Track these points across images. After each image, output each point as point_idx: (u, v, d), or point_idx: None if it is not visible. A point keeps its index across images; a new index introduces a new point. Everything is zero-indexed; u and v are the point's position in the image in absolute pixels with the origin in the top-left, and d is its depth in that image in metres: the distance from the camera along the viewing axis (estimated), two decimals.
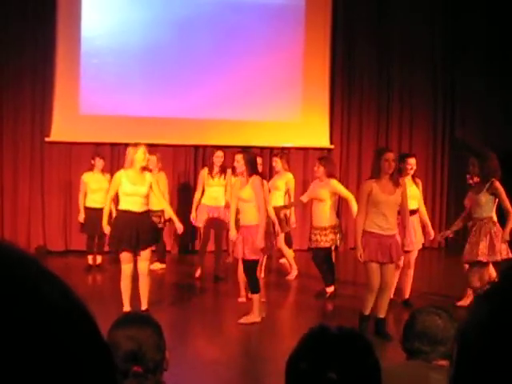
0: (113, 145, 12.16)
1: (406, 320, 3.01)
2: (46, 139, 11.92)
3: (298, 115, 12.86)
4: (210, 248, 10.24)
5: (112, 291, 8.31)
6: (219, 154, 10.05)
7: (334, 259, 9.04)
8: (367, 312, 7.12)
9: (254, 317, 7.63)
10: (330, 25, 12.95)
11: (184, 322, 7.73)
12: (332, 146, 13.01)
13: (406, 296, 8.45)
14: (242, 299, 8.48)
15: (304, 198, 9.06)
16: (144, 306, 7.60)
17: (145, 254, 7.57)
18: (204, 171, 10.20)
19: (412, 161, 8.42)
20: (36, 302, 0.56)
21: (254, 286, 7.64)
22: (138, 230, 7.42)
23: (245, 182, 7.59)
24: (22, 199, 11.90)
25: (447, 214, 13.17)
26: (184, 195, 12.55)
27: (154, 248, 7.96)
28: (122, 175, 7.58)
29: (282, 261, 10.63)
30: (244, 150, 7.76)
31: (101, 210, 10.34)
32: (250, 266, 7.61)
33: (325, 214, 8.71)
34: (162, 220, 10.06)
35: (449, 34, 13.38)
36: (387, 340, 6.73)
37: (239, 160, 7.61)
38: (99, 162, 10.45)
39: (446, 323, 2.91)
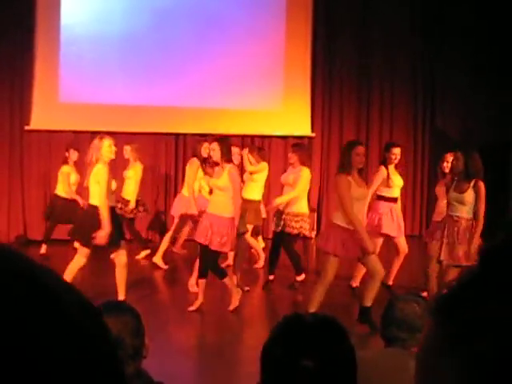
0: (93, 133, 12.08)
1: (385, 307, 3.02)
2: (26, 127, 11.85)
3: (279, 104, 12.85)
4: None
5: (94, 282, 8.28)
6: (206, 145, 9.91)
7: (303, 248, 9.15)
8: (314, 309, 6.84)
9: (237, 295, 7.65)
10: (311, 14, 12.94)
11: (162, 310, 7.72)
12: (313, 135, 13.03)
13: (390, 282, 8.46)
14: (194, 288, 8.37)
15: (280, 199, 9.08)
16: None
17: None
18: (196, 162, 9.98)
19: (396, 150, 8.47)
20: (58, 315, 0.55)
21: (219, 273, 7.62)
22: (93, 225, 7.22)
23: (221, 171, 7.53)
24: (2, 188, 11.83)
25: (427, 204, 13.23)
26: (164, 184, 12.54)
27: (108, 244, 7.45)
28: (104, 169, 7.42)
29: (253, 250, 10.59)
30: (219, 138, 7.71)
31: (69, 200, 10.40)
32: (214, 256, 7.53)
33: (294, 201, 8.74)
34: (129, 209, 10.10)
35: (432, 27, 13.40)
36: (374, 329, 6.48)
37: (215, 148, 7.53)
38: (74, 154, 10.50)
39: (423, 310, 2.93)
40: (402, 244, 8.51)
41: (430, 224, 8.52)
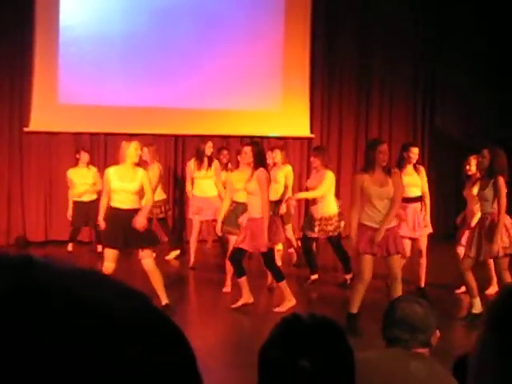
0: (92, 134, 12.10)
1: (386, 308, 3.03)
2: (25, 129, 11.83)
3: (278, 104, 12.85)
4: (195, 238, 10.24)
5: None
6: (210, 144, 10.05)
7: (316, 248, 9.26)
8: (355, 310, 6.99)
9: (289, 302, 7.71)
10: (310, 14, 12.93)
11: (172, 312, 7.70)
12: (312, 136, 13.02)
13: (422, 284, 8.51)
14: (227, 289, 8.54)
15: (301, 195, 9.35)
16: (163, 301, 7.48)
17: (143, 253, 7.46)
18: (191, 163, 10.15)
19: (415, 150, 8.55)
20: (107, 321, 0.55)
21: (277, 275, 7.76)
22: (125, 228, 7.27)
23: (250, 175, 7.61)
24: (2, 190, 11.81)
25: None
26: (164, 185, 12.52)
27: (151, 247, 7.64)
28: (110, 171, 7.47)
29: (290, 250, 10.56)
30: (252, 142, 7.90)
31: (84, 203, 10.48)
32: (268, 257, 7.70)
33: (323, 205, 8.88)
34: (163, 210, 10.24)
35: (432, 27, 13.41)
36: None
37: (247, 152, 7.61)
38: (84, 156, 10.57)
39: (425, 311, 2.93)
40: (420, 245, 8.53)
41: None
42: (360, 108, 13.39)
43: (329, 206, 8.88)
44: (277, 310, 7.65)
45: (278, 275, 7.77)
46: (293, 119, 12.88)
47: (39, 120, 11.86)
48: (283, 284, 7.74)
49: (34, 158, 11.94)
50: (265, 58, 12.66)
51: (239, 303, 7.79)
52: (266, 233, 7.53)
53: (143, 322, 0.58)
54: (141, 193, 7.48)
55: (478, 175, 7.98)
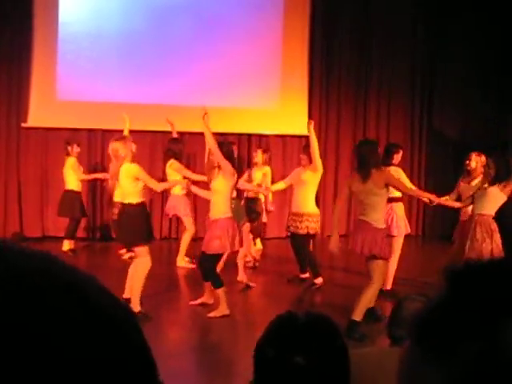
0: (90, 131, 12.10)
1: (392, 307, 3.03)
2: (23, 125, 11.83)
3: (276, 102, 12.85)
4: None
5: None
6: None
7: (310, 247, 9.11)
8: (359, 318, 6.72)
9: (224, 309, 7.54)
10: (308, 12, 12.95)
11: (158, 309, 7.70)
12: None
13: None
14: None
15: (285, 183, 9.16)
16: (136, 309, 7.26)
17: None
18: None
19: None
20: (87, 311, 0.56)
21: (215, 281, 7.54)
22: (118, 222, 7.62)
23: (217, 172, 7.48)
24: None
25: (424, 203, 13.25)
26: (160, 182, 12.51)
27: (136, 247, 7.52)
28: None
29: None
30: (220, 142, 7.79)
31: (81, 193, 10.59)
32: (211, 260, 7.49)
33: (300, 201, 8.82)
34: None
35: (431, 26, 13.43)
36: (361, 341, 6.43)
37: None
38: (76, 149, 10.59)
39: None
40: (395, 245, 8.48)
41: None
42: (358, 107, 13.41)
43: (306, 203, 8.77)
44: (210, 315, 7.49)
45: (218, 281, 7.51)
46: (291, 117, 12.89)
47: (37, 116, 11.86)
48: (221, 291, 7.50)
49: (32, 153, 11.94)
50: (264, 56, 12.67)
51: (217, 315, 7.51)
52: (232, 230, 7.43)
53: (107, 307, 0.59)
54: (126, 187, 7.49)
55: (480, 173, 8.00)
